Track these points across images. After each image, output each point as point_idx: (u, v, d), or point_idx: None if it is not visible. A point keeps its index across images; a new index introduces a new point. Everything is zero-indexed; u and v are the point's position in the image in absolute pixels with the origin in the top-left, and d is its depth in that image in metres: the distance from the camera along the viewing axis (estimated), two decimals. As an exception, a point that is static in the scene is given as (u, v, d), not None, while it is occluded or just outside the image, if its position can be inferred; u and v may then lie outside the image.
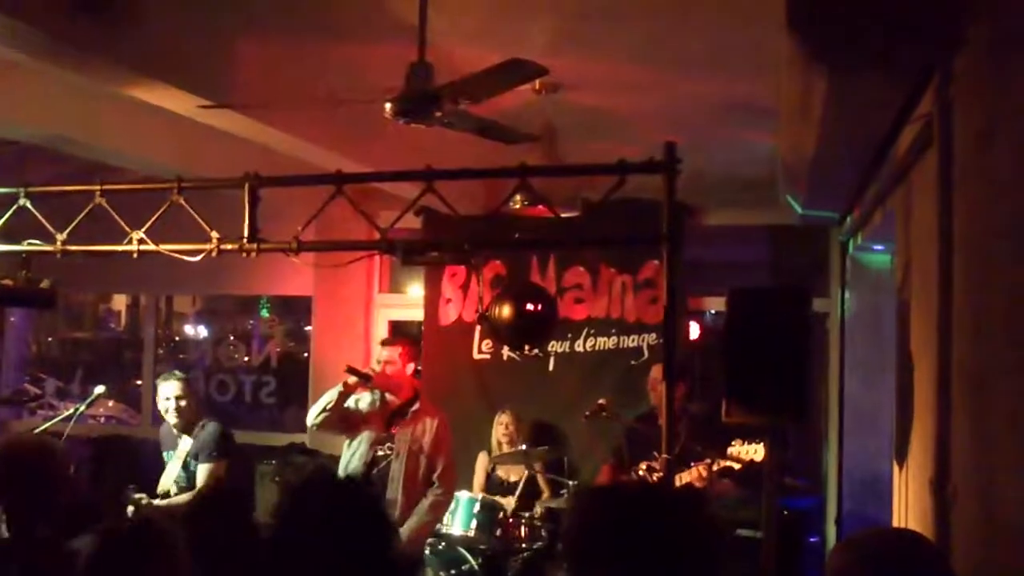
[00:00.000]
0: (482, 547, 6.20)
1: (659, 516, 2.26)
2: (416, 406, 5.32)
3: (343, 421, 5.32)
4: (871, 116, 3.87)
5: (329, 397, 5.23)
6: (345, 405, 5.25)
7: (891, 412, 5.09)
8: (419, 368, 6.15)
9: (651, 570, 2.12)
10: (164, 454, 5.66)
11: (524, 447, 6.54)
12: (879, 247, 6.20)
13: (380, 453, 5.26)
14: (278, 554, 2.39)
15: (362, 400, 5.37)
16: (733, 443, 5.38)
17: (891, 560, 2.03)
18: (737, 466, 5.37)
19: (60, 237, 4.44)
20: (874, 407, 6.40)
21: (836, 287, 7.16)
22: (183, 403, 5.51)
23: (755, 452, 5.26)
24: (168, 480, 5.52)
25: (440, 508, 5.41)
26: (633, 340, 7.32)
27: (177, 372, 5.71)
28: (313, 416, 5.29)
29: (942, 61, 3.15)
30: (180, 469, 5.50)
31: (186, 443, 5.51)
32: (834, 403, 7.06)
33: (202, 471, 5.41)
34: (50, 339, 10.86)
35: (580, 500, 2.52)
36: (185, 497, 5.26)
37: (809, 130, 4.33)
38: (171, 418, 5.52)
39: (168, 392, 5.52)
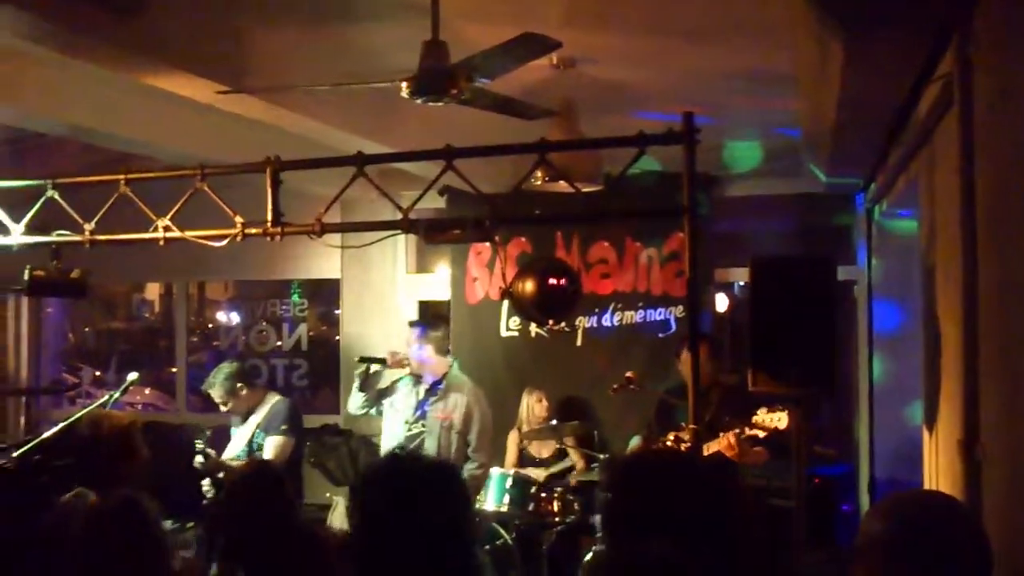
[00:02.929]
0: (516, 522, 6.25)
1: (693, 482, 2.27)
2: (446, 383, 5.42)
3: (381, 402, 5.48)
4: (890, 79, 3.83)
5: (356, 384, 5.38)
6: (379, 386, 5.40)
7: (920, 378, 5.07)
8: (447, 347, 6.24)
9: (686, 536, 2.13)
10: (232, 429, 6.04)
11: (554, 422, 6.57)
12: (904, 213, 6.14)
13: (414, 431, 5.38)
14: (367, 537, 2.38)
15: (396, 379, 5.51)
16: (758, 411, 5.39)
17: (922, 521, 2.04)
18: (762, 434, 5.38)
19: (88, 227, 4.50)
20: (903, 373, 6.35)
21: (863, 254, 7.11)
22: (232, 400, 5.85)
23: (779, 420, 5.27)
24: (234, 450, 5.71)
25: (476, 481, 5.51)
26: (660, 313, 7.31)
27: (212, 378, 5.89)
28: (352, 404, 5.46)
29: (961, 19, 3.11)
30: (245, 444, 5.75)
31: (255, 417, 5.83)
32: (863, 370, 7.02)
33: (270, 444, 5.74)
34: (86, 329, 10.99)
35: (615, 469, 2.53)
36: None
37: (828, 96, 4.29)
38: (233, 413, 5.88)
39: (216, 396, 5.94)
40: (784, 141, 6.58)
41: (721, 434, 5.40)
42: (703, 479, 2.34)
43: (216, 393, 5.96)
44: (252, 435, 5.88)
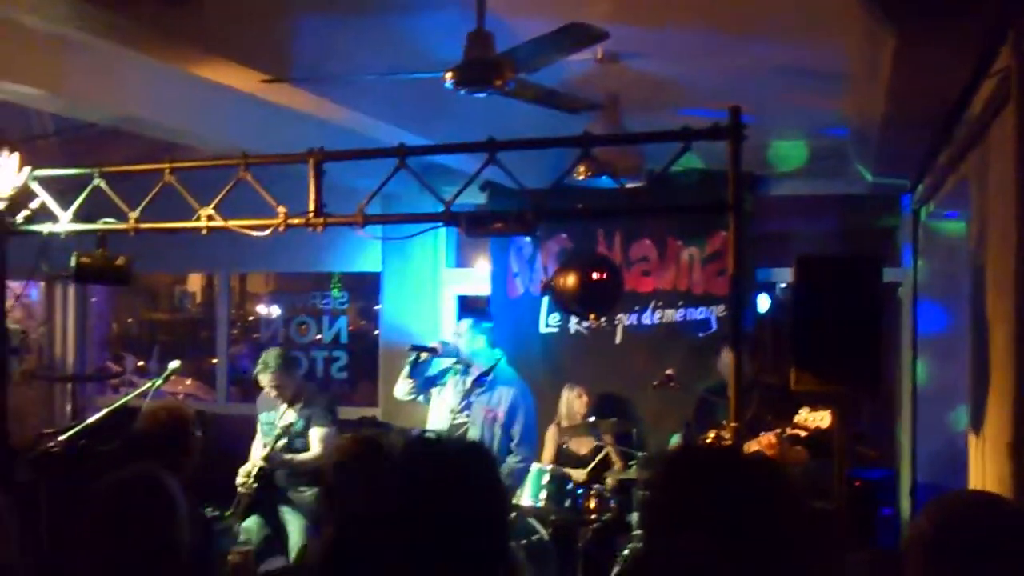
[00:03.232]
0: (552, 518, 6.23)
1: (735, 479, 2.24)
2: (492, 376, 5.46)
3: (428, 390, 5.52)
4: (943, 74, 3.76)
5: (405, 371, 5.43)
6: (429, 375, 5.45)
7: (966, 381, 4.98)
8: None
9: (726, 534, 2.10)
10: (263, 415, 6.16)
11: (593, 419, 6.54)
12: (952, 214, 6.06)
13: (458, 421, 5.42)
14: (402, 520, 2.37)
15: (443, 370, 5.54)
16: (800, 411, 5.34)
17: (966, 517, 2.01)
18: (803, 433, 5.33)
19: (133, 215, 4.55)
20: (948, 376, 6.27)
21: (907, 256, 7.01)
22: (285, 384, 5.99)
23: (821, 419, 5.22)
24: (271, 440, 5.87)
25: (518, 476, 5.54)
26: (701, 312, 7.27)
27: (267, 361, 5.97)
28: (400, 389, 5.51)
29: (1019, 12, 3.05)
30: (283, 433, 5.89)
31: (296, 406, 5.97)
32: (907, 373, 6.93)
33: (317, 435, 5.88)
34: (129, 320, 11.10)
35: (655, 465, 2.50)
36: (311, 455, 5.86)
37: (878, 92, 4.23)
38: (277, 399, 6.01)
39: (265, 382, 6.04)
40: (830, 140, 6.50)
41: (762, 433, 5.35)
42: (745, 476, 2.30)
43: (270, 377, 6.01)
44: (291, 424, 5.95)
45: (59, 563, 4.97)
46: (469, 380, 5.51)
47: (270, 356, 6.10)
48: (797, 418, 5.30)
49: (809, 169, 7.18)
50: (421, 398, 6.02)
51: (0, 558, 2.65)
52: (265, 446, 5.98)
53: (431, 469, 2.34)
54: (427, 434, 2.61)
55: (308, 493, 6.05)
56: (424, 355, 5.47)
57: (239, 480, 5.93)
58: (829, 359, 4.20)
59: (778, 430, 5.32)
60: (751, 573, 2.07)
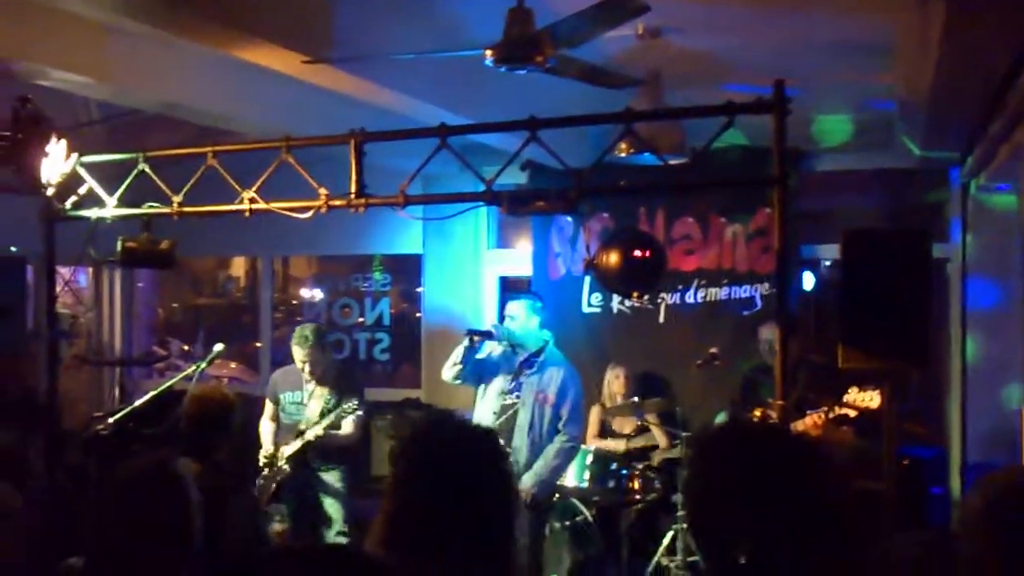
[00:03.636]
0: (596, 498, 6.22)
1: (781, 456, 2.21)
2: (543, 357, 5.46)
3: (476, 373, 5.52)
4: (994, 45, 3.67)
5: (458, 355, 5.43)
6: (477, 357, 5.44)
7: (1019, 357, 4.89)
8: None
9: (772, 513, 2.08)
10: (285, 395, 6.14)
11: (636, 399, 6.51)
12: (1003, 187, 5.93)
13: (507, 402, 5.43)
14: (397, 495, 2.40)
15: (492, 352, 5.54)
16: (849, 391, 5.28)
17: (1019, 490, 1.98)
18: (852, 414, 5.27)
19: (176, 199, 4.58)
20: (1000, 353, 6.16)
21: (956, 231, 6.89)
22: (319, 359, 6.05)
23: (871, 400, 5.16)
24: (312, 417, 5.91)
25: (566, 455, 5.54)
26: (745, 290, 7.20)
27: (307, 335, 5.97)
28: (448, 372, 5.51)
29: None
30: (318, 411, 5.97)
31: (323, 391, 6.04)
32: (956, 350, 6.82)
33: (350, 416, 5.90)
34: (174, 305, 11.23)
35: (699, 442, 2.47)
36: (344, 432, 5.95)
37: (927, 64, 4.14)
38: (307, 376, 6.05)
39: (299, 356, 6.06)
40: (876, 114, 6.40)
41: (808, 412, 5.30)
42: (790, 454, 2.27)
43: (307, 351, 6.02)
44: (326, 403, 5.98)
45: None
46: (517, 361, 5.51)
47: (309, 330, 6.10)
48: (846, 397, 5.25)
49: (854, 144, 7.09)
50: (468, 382, 6.01)
51: (8, 557, 2.67)
52: (303, 424, 5.98)
53: (437, 447, 2.37)
54: (437, 414, 2.63)
55: (336, 471, 6.09)
56: (477, 339, 5.47)
57: (263, 461, 5.97)
58: (877, 336, 4.12)
59: (825, 408, 5.27)
60: (795, 552, 2.05)
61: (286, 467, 5.94)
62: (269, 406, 6.27)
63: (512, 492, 2.55)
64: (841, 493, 2.12)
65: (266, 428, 6.22)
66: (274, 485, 5.94)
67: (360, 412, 5.93)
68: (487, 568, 2.34)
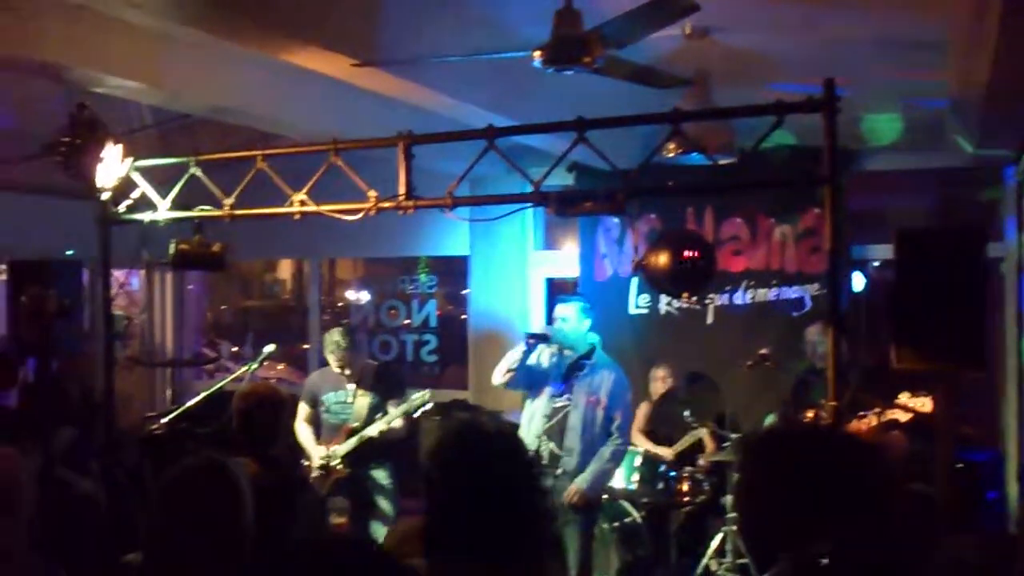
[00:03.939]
0: (644, 500, 6.20)
1: (834, 460, 2.19)
2: (593, 360, 5.45)
3: (527, 378, 5.52)
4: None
5: (513, 358, 5.44)
6: (527, 363, 5.44)
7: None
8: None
9: (824, 517, 2.06)
10: (328, 396, 6.15)
11: (683, 401, 6.48)
12: (1061, 183, 5.82)
13: (558, 404, 5.43)
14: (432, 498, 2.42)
15: (542, 356, 5.53)
16: (900, 395, 5.22)
17: None
18: (903, 418, 5.21)
19: (228, 202, 4.63)
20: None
21: (1011, 230, 6.76)
22: (351, 366, 6.08)
23: (922, 404, 5.10)
24: (360, 413, 5.96)
25: (619, 457, 5.55)
26: (794, 291, 7.15)
27: (338, 340, 6.00)
28: (499, 376, 5.52)
29: None
30: (366, 412, 6.01)
31: (363, 392, 6.06)
32: (1012, 351, 6.70)
33: (398, 410, 5.95)
34: (223, 307, 11.38)
35: (750, 445, 2.45)
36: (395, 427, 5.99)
37: (982, 60, 4.08)
38: (346, 377, 6.08)
39: (334, 361, 6.10)
40: (927, 112, 6.30)
41: (860, 414, 5.24)
42: (841, 456, 2.24)
43: (342, 355, 6.08)
44: (371, 401, 6.02)
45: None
46: (567, 364, 5.50)
47: (339, 335, 6.13)
48: (898, 400, 5.19)
49: (904, 142, 6.99)
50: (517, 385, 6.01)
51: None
52: (355, 423, 6.00)
53: (467, 451, 2.39)
54: (468, 419, 2.65)
55: (384, 468, 6.13)
56: (533, 341, 5.47)
57: (318, 463, 5.99)
58: (931, 336, 4.06)
59: (877, 409, 5.21)
60: (848, 555, 2.03)
61: (341, 466, 5.97)
62: (305, 409, 6.24)
63: (543, 494, 2.55)
64: (895, 496, 2.09)
65: (304, 431, 6.20)
66: (329, 484, 5.98)
67: (430, 404, 5.97)
68: (518, 570, 2.35)
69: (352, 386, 6.10)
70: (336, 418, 6.13)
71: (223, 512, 2.64)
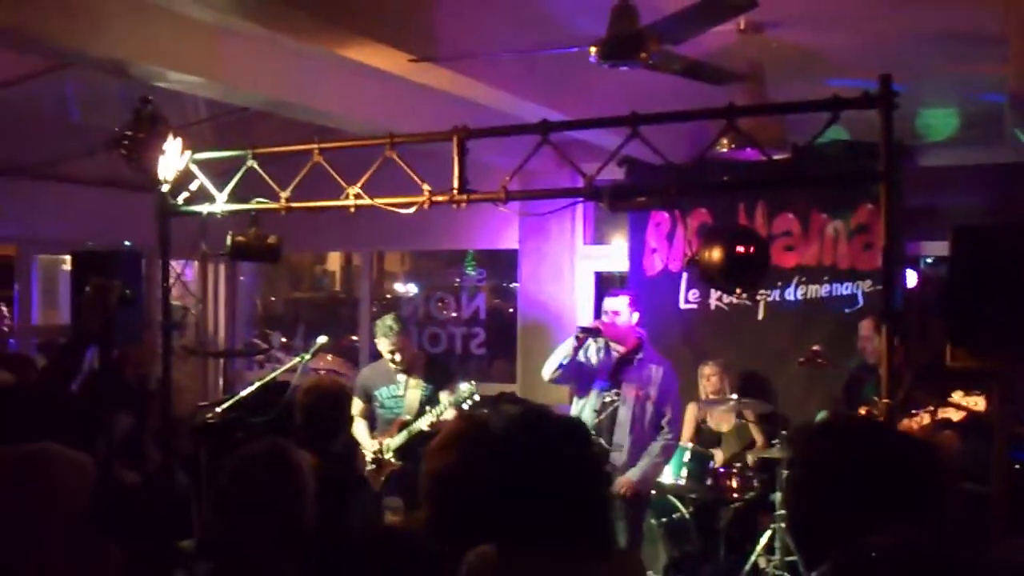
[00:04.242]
0: (693, 496, 6.20)
1: (883, 454, 2.18)
2: (642, 354, 5.46)
3: (576, 374, 5.54)
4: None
5: (563, 352, 5.46)
6: (577, 359, 5.46)
7: None
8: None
9: (875, 513, 2.06)
10: (380, 390, 6.15)
11: (734, 397, 6.46)
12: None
13: (608, 399, 5.44)
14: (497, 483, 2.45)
15: (591, 351, 5.55)
16: (954, 393, 5.16)
17: None
18: (957, 417, 5.15)
19: (284, 195, 4.69)
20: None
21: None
22: (403, 352, 6.03)
23: (976, 403, 5.04)
24: (412, 405, 6.00)
25: (670, 452, 5.56)
26: (847, 288, 7.09)
27: (391, 324, 6.03)
28: (549, 371, 5.55)
29: None
30: (418, 404, 6.03)
31: (416, 380, 6.07)
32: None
33: (449, 401, 5.93)
34: (273, 299, 11.52)
35: (802, 440, 2.45)
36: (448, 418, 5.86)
37: (1043, 54, 4.02)
38: (396, 366, 6.06)
39: (386, 347, 6.03)
40: (985, 107, 6.22)
41: (913, 412, 5.20)
42: (893, 453, 2.23)
43: (394, 340, 6.01)
44: (423, 393, 6.03)
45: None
46: (616, 358, 5.52)
47: (391, 319, 6.08)
48: (952, 399, 5.13)
49: (960, 137, 6.90)
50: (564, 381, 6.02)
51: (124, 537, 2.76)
52: (406, 416, 6.03)
53: (529, 442, 2.42)
54: (528, 411, 2.67)
55: None
56: (583, 336, 5.48)
57: (371, 457, 6.03)
58: (986, 334, 4.01)
59: (930, 408, 5.16)
60: (903, 553, 2.03)
61: (394, 460, 5.99)
62: (358, 404, 6.20)
63: (608, 480, 2.59)
64: (947, 494, 2.09)
65: (359, 426, 6.20)
66: (383, 479, 6.02)
67: (477, 396, 5.95)
68: (586, 556, 2.38)
69: (403, 378, 6.11)
70: (390, 413, 6.13)
71: (285, 497, 2.69)
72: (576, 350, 5.45)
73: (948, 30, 4.90)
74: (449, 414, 5.99)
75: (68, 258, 4.79)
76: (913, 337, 6.48)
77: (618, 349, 5.50)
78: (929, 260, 7.63)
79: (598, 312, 5.85)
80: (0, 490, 2.54)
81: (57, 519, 2.54)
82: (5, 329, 8.12)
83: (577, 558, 2.36)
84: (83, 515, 2.58)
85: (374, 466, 6.00)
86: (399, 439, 5.98)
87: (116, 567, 2.66)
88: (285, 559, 2.62)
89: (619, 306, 5.49)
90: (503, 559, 2.37)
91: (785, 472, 5.64)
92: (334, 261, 12.50)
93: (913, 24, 4.88)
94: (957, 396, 5.18)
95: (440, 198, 4.35)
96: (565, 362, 5.46)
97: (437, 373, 6.17)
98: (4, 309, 8.35)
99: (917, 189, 6.97)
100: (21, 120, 6.41)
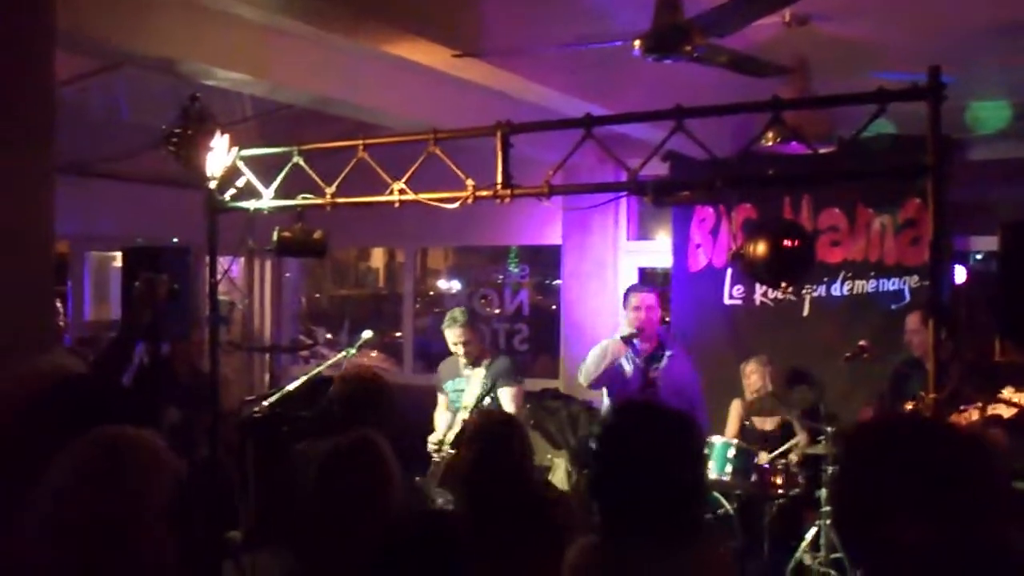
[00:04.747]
0: (737, 492, 6.16)
1: (933, 450, 2.15)
2: (670, 351, 5.45)
3: (608, 378, 5.56)
4: None
5: (597, 359, 5.48)
6: (611, 367, 5.49)
7: None
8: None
9: (922, 510, 2.04)
10: (447, 384, 6.23)
11: (779, 393, 6.41)
12: None
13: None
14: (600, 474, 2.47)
15: (624, 359, 5.57)
16: (1004, 389, 5.08)
17: None
18: (1008, 413, 5.07)
19: (329, 190, 4.72)
20: None
21: None
22: (469, 344, 6.06)
23: (1026, 400, 4.96)
24: (470, 397, 6.01)
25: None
26: (893, 283, 7.01)
27: (456, 316, 6.09)
28: (585, 376, 5.58)
29: None
30: (476, 397, 5.98)
31: (479, 373, 6.04)
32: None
33: (508, 393, 5.96)
34: (317, 295, 11.62)
35: (849, 437, 2.44)
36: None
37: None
38: (462, 358, 6.09)
39: (453, 338, 6.08)
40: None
41: (961, 408, 5.13)
42: (943, 448, 2.20)
43: (459, 332, 6.06)
44: (483, 386, 6.05)
45: (267, 516, 5.30)
46: (643, 354, 5.52)
47: (458, 311, 6.14)
48: (1002, 395, 5.06)
49: (1011, 130, 6.79)
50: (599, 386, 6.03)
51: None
52: (464, 408, 6.06)
53: (643, 431, 2.42)
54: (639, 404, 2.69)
55: None
56: (627, 339, 5.50)
57: (432, 447, 6.07)
58: (1038, 330, 3.96)
59: (979, 404, 5.09)
60: (952, 551, 2.01)
61: (451, 450, 6.04)
62: (440, 396, 6.36)
63: (706, 472, 2.62)
64: (996, 492, 2.06)
65: (441, 418, 6.30)
66: (438, 470, 6.06)
67: (521, 383, 5.96)
68: (687, 545, 2.39)
69: (467, 370, 6.16)
70: (455, 405, 6.19)
71: (374, 487, 2.73)
72: (613, 357, 5.49)
73: (997, 19, 4.82)
74: (510, 407, 5.98)
75: (119, 254, 4.87)
76: (961, 333, 6.40)
77: (644, 347, 5.52)
78: (979, 256, 7.52)
79: (629, 307, 5.81)
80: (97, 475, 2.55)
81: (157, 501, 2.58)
82: (61, 324, 8.28)
83: (675, 547, 2.38)
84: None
85: (437, 460, 6.03)
86: (454, 430, 6.01)
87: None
88: (366, 549, 2.66)
89: (652, 300, 5.51)
90: (607, 550, 2.39)
91: (831, 468, 5.59)
92: (378, 258, 12.60)
93: (962, 15, 4.81)
94: (1008, 392, 5.10)
95: (484, 193, 4.36)
96: (603, 367, 5.50)
97: (497, 367, 6.20)
98: (59, 305, 8.52)
99: (964, 183, 6.87)
100: (72, 119, 6.51)
